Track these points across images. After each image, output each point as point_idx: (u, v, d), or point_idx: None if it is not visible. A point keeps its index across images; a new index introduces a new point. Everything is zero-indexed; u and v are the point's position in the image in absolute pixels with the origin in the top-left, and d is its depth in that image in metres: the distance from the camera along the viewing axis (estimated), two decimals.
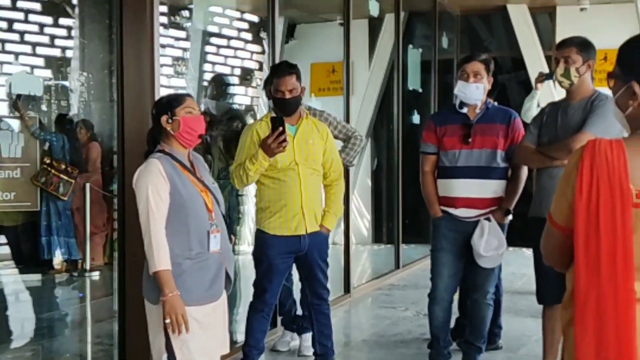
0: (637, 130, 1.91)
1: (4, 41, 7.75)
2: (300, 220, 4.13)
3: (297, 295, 4.95)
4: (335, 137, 4.88)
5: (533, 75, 9.23)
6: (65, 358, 5.52)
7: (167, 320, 3.01)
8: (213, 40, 8.96)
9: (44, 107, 7.97)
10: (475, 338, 4.46)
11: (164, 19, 7.79)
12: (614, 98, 1.96)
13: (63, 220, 7.41)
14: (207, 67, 8.86)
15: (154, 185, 3.04)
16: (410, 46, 9.45)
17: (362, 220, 10.02)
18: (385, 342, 5.52)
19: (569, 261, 1.93)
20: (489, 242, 4.20)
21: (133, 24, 4.30)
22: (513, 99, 10.18)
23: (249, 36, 9.39)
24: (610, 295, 1.78)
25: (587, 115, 3.88)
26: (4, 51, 7.82)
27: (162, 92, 4.40)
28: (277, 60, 5.69)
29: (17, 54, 7.83)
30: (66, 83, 8.25)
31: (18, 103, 6.75)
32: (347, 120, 7.01)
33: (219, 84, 8.70)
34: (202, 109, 8.41)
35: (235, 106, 9.01)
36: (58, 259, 7.42)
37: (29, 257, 7.41)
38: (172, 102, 3.21)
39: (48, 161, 7.02)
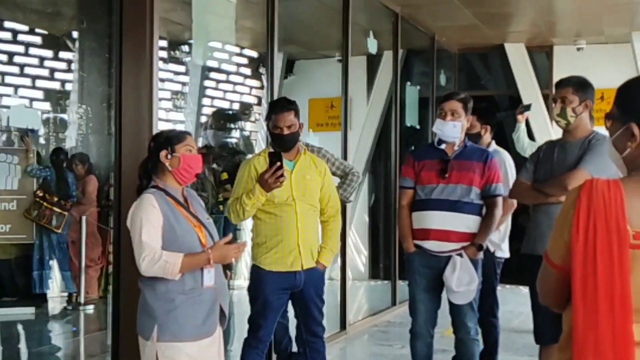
0: (633, 171, 1.91)
1: (3, 74, 7.79)
2: (297, 256, 4.10)
3: (293, 332, 4.90)
4: (333, 174, 4.89)
5: (531, 114, 9.29)
6: None
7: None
8: (212, 74, 9.03)
9: (42, 140, 7.98)
10: None
11: (163, 54, 7.85)
12: (611, 139, 1.95)
13: (57, 254, 7.38)
14: (206, 101, 8.92)
15: (147, 218, 3.05)
16: (408, 83, 9.50)
17: (359, 255, 9.98)
18: None
19: (565, 302, 1.91)
20: (460, 278, 4.23)
21: (133, 58, 4.33)
22: (511, 137, 10.22)
23: (248, 71, 9.46)
24: (608, 338, 1.76)
25: (584, 153, 3.89)
26: (3, 84, 7.86)
27: (160, 126, 4.41)
28: (275, 95, 5.72)
29: (16, 87, 7.87)
30: (65, 116, 8.28)
31: (27, 139, 6.78)
32: (345, 155, 7.02)
33: (218, 118, 8.75)
34: (201, 142, 8.44)
35: (234, 140, 9.04)
36: (52, 292, 7.37)
37: (22, 291, 7.36)
38: (172, 139, 3.22)
39: (41, 194, 7.02)
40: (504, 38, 9.90)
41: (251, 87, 9.67)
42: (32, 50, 7.77)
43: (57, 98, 8.37)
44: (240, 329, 5.21)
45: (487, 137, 5.33)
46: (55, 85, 8.18)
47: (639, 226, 1.79)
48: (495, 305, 5.23)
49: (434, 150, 4.44)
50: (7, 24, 7.58)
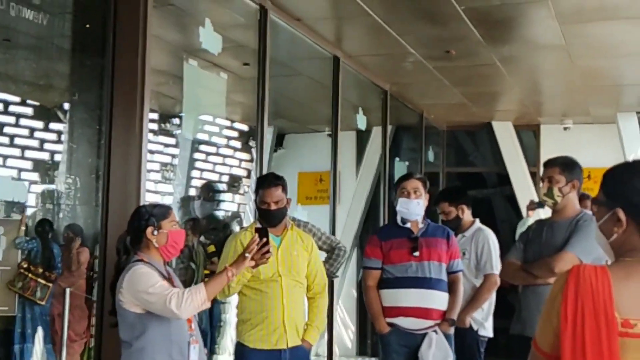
0: (620, 257, 1.90)
1: None
2: (282, 333, 4.03)
3: None
4: (320, 248, 4.86)
5: (518, 191, 9.35)
6: None
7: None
8: (202, 147, 9.05)
9: (29, 211, 7.93)
10: None
11: (153, 126, 7.89)
12: (598, 224, 1.95)
13: (40, 326, 7.24)
14: (195, 173, 8.92)
15: (148, 277, 3.01)
16: (397, 158, 9.58)
17: (346, 331, 9.84)
18: None
19: None
20: (435, 354, 4.26)
21: (123, 130, 4.35)
22: (499, 214, 10.26)
23: (238, 144, 9.50)
24: None
25: (571, 234, 3.89)
26: None
27: (148, 198, 4.39)
28: (265, 169, 5.74)
29: (5, 157, 7.87)
30: (52, 186, 8.26)
31: (23, 215, 6.79)
32: (333, 229, 7.01)
33: (207, 190, 8.74)
34: (191, 214, 8.41)
35: (222, 213, 9.01)
36: None
37: None
38: (158, 215, 3.18)
39: (25, 265, 6.94)
40: (492, 116, 10.05)
41: (241, 160, 9.70)
42: (22, 121, 7.80)
43: (45, 169, 8.36)
44: None
45: (467, 215, 5.31)
46: (45, 156, 8.19)
47: (627, 314, 1.76)
48: None
49: (399, 229, 4.51)
50: None
